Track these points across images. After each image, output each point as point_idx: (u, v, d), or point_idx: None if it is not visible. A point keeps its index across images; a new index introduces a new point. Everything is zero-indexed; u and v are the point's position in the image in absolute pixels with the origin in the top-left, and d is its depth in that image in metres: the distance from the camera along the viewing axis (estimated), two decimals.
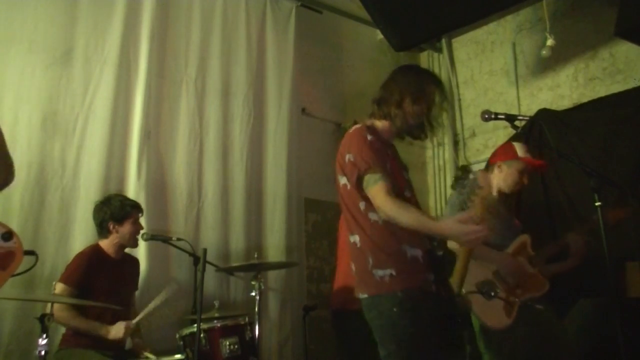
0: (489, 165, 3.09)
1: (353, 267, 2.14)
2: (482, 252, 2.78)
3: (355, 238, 2.10)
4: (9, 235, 1.61)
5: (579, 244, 2.96)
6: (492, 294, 2.71)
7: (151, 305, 2.95)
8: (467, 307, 2.53)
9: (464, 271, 2.40)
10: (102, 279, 2.94)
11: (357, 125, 2.17)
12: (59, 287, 2.78)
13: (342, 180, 2.14)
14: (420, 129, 2.25)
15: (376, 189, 1.99)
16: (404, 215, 1.96)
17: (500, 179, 2.98)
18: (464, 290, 2.67)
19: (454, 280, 2.29)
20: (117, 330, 2.85)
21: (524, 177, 2.97)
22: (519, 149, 2.98)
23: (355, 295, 2.10)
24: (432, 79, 2.27)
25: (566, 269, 3.01)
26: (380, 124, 2.23)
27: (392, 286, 1.99)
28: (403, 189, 2.15)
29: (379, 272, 2.01)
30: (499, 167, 3.00)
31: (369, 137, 2.09)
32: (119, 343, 2.87)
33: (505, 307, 2.72)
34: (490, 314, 2.71)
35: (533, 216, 4.06)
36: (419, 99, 2.17)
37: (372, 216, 2.05)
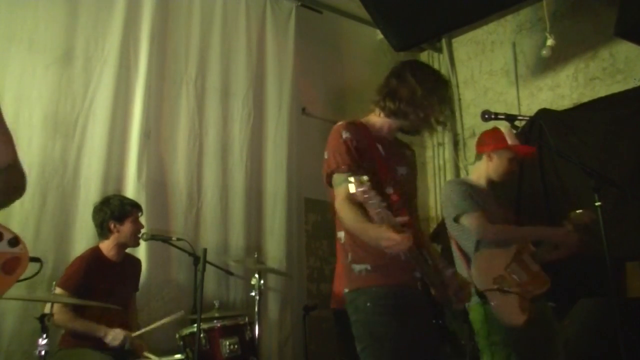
0: (477, 154, 3.05)
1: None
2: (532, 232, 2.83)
3: (341, 234, 2.14)
4: (15, 240, 1.64)
5: (571, 236, 2.87)
6: (508, 289, 2.67)
7: (157, 323, 2.95)
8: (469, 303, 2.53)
9: None
10: (100, 283, 2.93)
11: (338, 123, 2.14)
12: (57, 292, 2.74)
13: None
14: (424, 126, 2.21)
15: (338, 190, 2.01)
16: (348, 221, 1.97)
17: (491, 168, 2.92)
18: (480, 288, 2.66)
19: None
20: (114, 337, 2.83)
21: (514, 164, 2.94)
22: (508, 136, 2.88)
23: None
24: (441, 77, 2.26)
25: (555, 258, 2.90)
26: (378, 119, 2.20)
27: (368, 281, 2.02)
28: (384, 184, 2.08)
29: (357, 267, 2.05)
30: (489, 156, 2.93)
31: (344, 135, 2.07)
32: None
33: (520, 303, 2.68)
34: (507, 310, 2.67)
35: (533, 217, 4.05)
36: (429, 96, 2.14)
37: None
